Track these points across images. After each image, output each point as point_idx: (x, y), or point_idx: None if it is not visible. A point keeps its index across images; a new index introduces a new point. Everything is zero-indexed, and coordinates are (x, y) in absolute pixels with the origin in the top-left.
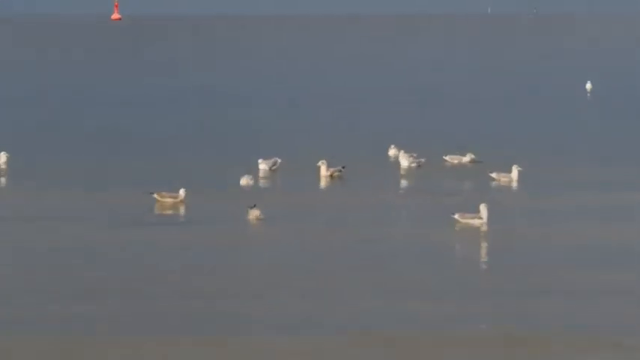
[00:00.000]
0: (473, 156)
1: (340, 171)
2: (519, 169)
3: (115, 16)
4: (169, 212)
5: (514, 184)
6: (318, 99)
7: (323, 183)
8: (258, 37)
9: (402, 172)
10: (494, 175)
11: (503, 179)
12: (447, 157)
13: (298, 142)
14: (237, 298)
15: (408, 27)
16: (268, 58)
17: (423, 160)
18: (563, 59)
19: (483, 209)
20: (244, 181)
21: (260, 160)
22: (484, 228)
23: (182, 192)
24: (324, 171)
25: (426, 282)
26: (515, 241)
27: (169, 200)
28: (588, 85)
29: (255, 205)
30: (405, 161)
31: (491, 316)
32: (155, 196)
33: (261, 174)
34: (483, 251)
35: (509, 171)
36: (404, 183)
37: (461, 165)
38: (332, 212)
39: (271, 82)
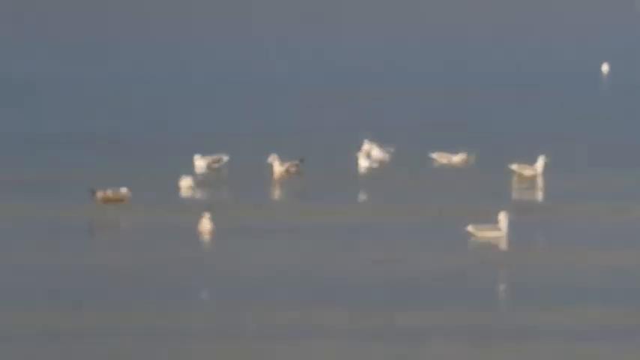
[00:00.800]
0: (465, 156)
1: (297, 165)
2: (546, 160)
3: None
4: (111, 222)
5: (539, 179)
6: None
7: (277, 183)
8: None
9: (363, 172)
10: (514, 167)
11: (526, 172)
12: (434, 155)
13: (255, 136)
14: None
15: None
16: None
17: (387, 157)
18: (575, 37)
19: (503, 218)
20: (185, 183)
21: (197, 156)
22: (504, 242)
23: (125, 190)
24: (278, 167)
25: (422, 323)
26: (538, 263)
27: (113, 199)
28: (605, 68)
29: (208, 211)
30: (364, 161)
31: None
32: (98, 195)
33: (198, 172)
34: (500, 277)
35: (534, 162)
36: (388, 188)
37: (451, 165)
38: (288, 223)
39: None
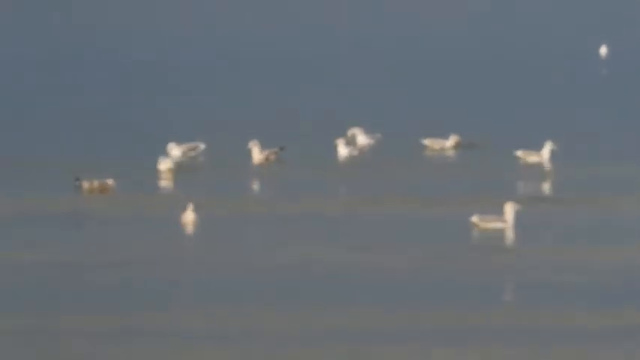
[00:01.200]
0: (457, 138)
1: (277, 153)
2: (553, 147)
3: None
4: (96, 214)
5: (545, 166)
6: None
7: (257, 171)
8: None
9: (342, 161)
10: (519, 153)
11: (530, 159)
12: (426, 142)
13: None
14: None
15: None
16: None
17: (373, 143)
18: (569, 17)
19: (509, 209)
20: (164, 165)
21: (171, 145)
22: (510, 234)
23: (111, 181)
24: (257, 154)
25: (414, 322)
26: (542, 258)
27: (98, 189)
28: (603, 50)
29: (191, 202)
30: (343, 149)
31: None
32: (84, 185)
33: (174, 160)
34: (499, 272)
35: (540, 149)
36: (373, 176)
37: (444, 151)
38: (270, 213)
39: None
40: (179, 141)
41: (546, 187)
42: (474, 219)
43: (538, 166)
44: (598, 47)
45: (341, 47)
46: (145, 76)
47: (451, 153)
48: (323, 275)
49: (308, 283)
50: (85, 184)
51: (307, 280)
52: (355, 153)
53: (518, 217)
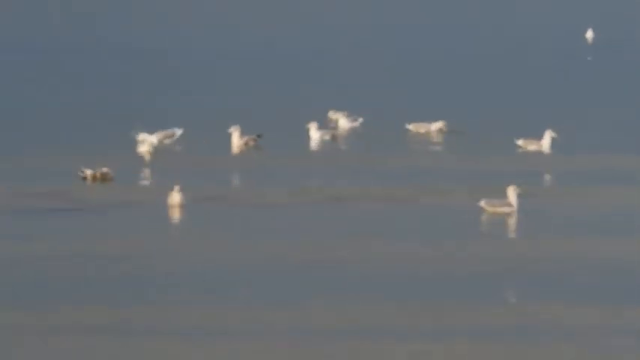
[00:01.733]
0: (443, 123)
1: (255, 140)
2: (553, 135)
3: None
4: (96, 203)
5: (545, 154)
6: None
7: (236, 156)
8: None
9: (314, 146)
10: (520, 142)
11: (530, 147)
12: (410, 126)
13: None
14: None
15: None
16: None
17: (338, 131)
18: (556, 1)
19: (511, 193)
20: (143, 147)
21: (143, 135)
22: (511, 223)
23: (108, 169)
24: (237, 139)
25: (406, 318)
26: (547, 250)
27: (100, 178)
28: (589, 34)
29: (177, 186)
30: (315, 132)
31: None
32: (87, 173)
33: (147, 150)
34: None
35: (540, 137)
36: (352, 162)
37: (429, 135)
38: (251, 198)
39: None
40: (151, 130)
41: (547, 176)
42: (482, 204)
43: (538, 154)
44: (584, 31)
45: (341, 47)
46: (144, 76)
47: (433, 136)
48: (322, 267)
49: (306, 277)
50: (88, 174)
51: (305, 274)
52: (327, 137)
53: (519, 204)
